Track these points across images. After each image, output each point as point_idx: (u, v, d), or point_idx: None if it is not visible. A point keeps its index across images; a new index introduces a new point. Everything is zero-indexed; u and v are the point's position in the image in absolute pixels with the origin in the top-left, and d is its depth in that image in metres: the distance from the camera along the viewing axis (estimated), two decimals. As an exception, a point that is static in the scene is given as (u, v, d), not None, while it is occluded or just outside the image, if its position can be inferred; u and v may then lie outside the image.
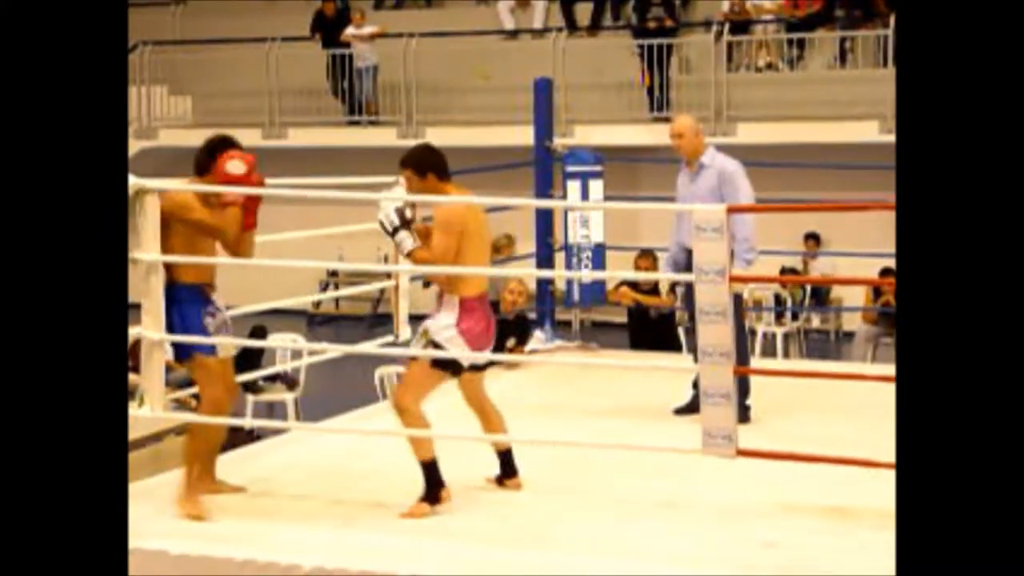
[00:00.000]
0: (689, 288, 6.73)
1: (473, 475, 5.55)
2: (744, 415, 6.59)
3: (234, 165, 5.20)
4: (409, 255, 5.22)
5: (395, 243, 5.24)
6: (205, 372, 5.34)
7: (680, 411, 6.88)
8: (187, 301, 5.30)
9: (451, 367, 5.24)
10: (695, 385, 6.81)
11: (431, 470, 5.19)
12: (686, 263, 6.90)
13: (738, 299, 6.67)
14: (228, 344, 5.45)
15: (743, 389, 6.60)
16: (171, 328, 5.30)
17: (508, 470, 5.55)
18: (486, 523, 5.07)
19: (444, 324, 5.19)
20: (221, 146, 5.31)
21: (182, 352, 5.37)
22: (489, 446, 5.55)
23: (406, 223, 5.20)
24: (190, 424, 5.48)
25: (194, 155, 5.37)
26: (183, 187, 5.32)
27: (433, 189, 5.22)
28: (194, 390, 7.90)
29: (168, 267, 5.31)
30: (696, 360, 6.66)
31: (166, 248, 5.26)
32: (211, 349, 5.33)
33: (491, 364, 5.55)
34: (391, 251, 7.48)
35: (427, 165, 5.22)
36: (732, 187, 6.63)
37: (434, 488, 5.18)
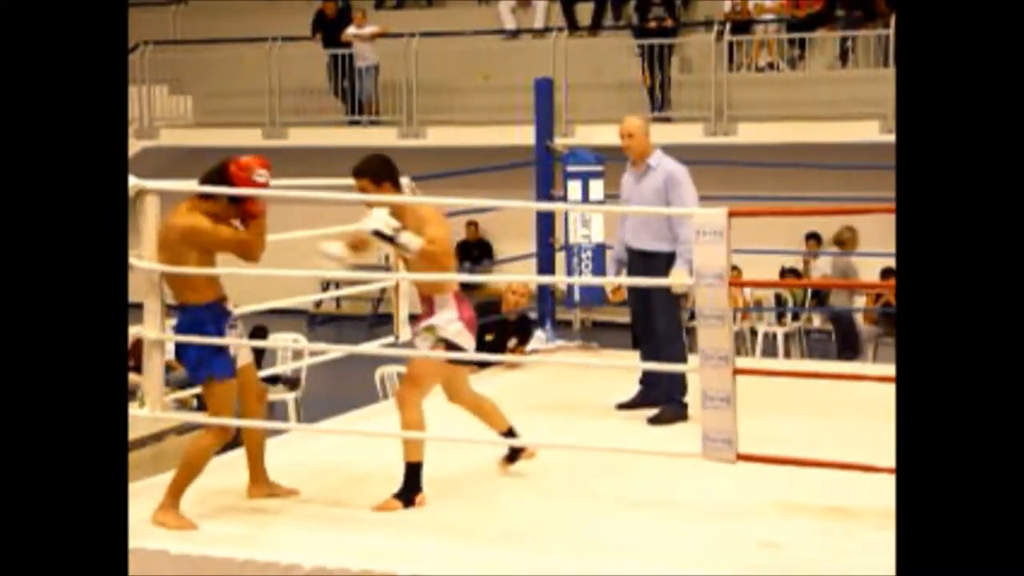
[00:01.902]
0: (638, 290, 6.88)
1: (471, 474, 5.55)
2: (683, 413, 6.69)
3: (260, 175, 5.15)
4: (420, 252, 5.26)
5: (402, 244, 5.21)
6: (218, 398, 5.19)
7: (623, 406, 7.00)
8: (209, 321, 5.16)
9: (460, 359, 5.42)
10: (642, 382, 6.91)
11: (415, 472, 5.29)
12: (629, 263, 6.98)
13: (677, 298, 6.83)
14: (243, 351, 5.37)
15: (681, 387, 6.70)
16: (190, 353, 5.15)
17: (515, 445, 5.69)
18: (486, 523, 5.08)
19: (448, 319, 5.35)
20: (226, 168, 5.19)
21: (202, 371, 5.17)
22: (489, 438, 5.62)
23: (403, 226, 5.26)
24: (191, 441, 5.41)
25: (200, 179, 5.21)
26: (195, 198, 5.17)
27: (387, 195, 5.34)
28: (196, 391, 7.95)
29: (182, 290, 5.17)
30: (642, 358, 6.81)
31: (178, 275, 5.12)
32: (230, 371, 5.19)
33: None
34: (392, 251, 7.50)
35: (384, 174, 5.36)
36: (678, 191, 6.74)
37: (412, 491, 5.28)
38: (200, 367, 5.16)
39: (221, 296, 5.27)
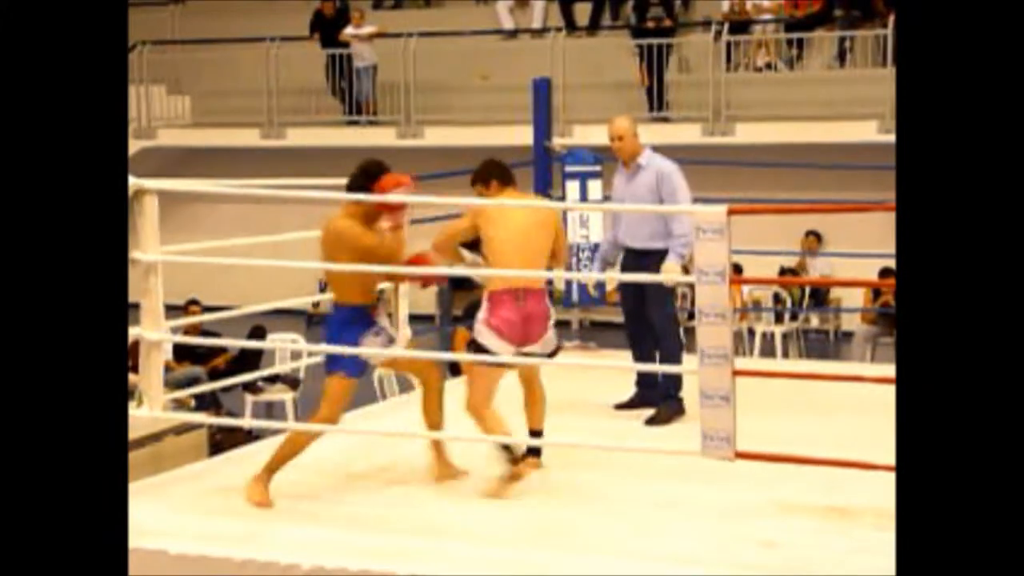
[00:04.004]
0: (630, 288, 6.89)
1: (471, 474, 5.55)
2: (679, 409, 6.72)
3: (401, 191, 5.36)
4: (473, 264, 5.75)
5: (467, 263, 5.84)
6: (334, 390, 5.40)
7: (620, 407, 7.02)
8: (350, 322, 5.41)
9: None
10: (638, 383, 6.93)
11: (506, 452, 5.42)
12: (624, 261, 7.01)
13: (671, 292, 6.92)
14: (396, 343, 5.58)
15: (677, 383, 6.73)
16: (332, 343, 5.41)
17: (530, 449, 5.69)
18: (486, 523, 5.08)
19: (477, 320, 5.56)
20: (378, 170, 5.41)
21: (331, 364, 5.45)
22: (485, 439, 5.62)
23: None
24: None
25: (348, 181, 5.46)
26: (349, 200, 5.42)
27: (496, 196, 5.71)
28: (194, 390, 7.99)
29: (340, 290, 5.49)
30: (635, 359, 6.83)
31: (334, 274, 5.47)
32: (355, 371, 5.41)
33: (555, 352, 5.81)
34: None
35: (489, 176, 5.74)
36: (670, 186, 6.79)
37: (512, 466, 5.43)
38: (334, 359, 5.42)
39: (370, 303, 5.47)
